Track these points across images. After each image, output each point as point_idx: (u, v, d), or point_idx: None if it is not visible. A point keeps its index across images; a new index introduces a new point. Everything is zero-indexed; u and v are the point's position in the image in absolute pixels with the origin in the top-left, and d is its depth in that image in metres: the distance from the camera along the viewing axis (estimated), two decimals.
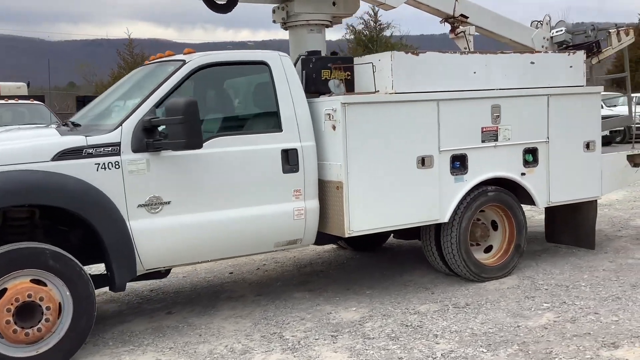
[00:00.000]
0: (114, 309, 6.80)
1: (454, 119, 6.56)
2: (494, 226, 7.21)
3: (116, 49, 30.61)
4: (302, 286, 7.19)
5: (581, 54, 7.42)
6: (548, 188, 7.21)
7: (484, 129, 6.75)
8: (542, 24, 8.67)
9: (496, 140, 6.83)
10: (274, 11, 7.33)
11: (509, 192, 7.04)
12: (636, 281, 6.60)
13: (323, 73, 6.69)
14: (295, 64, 6.96)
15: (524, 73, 7.02)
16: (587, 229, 7.87)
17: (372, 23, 36.45)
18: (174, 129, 5.19)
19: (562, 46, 8.54)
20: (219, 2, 6.60)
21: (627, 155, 7.88)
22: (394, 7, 7.37)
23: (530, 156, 7.08)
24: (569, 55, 7.36)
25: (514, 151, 6.97)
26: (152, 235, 5.46)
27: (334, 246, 8.98)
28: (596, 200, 7.78)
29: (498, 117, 6.82)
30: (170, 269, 6.15)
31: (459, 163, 6.63)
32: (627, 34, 8.62)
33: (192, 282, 7.66)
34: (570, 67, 7.33)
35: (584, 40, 8.51)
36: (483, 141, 6.76)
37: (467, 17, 7.84)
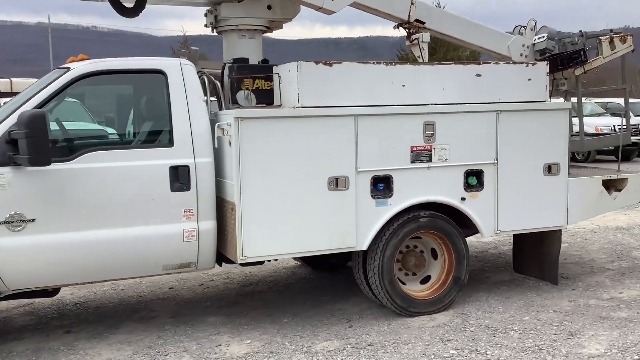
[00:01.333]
0: (26, 322, 6.56)
1: (376, 136, 5.92)
2: (435, 255, 6.51)
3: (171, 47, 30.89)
4: (227, 308, 6.74)
5: (543, 66, 6.58)
6: (496, 215, 6.44)
7: (414, 148, 6.07)
8: (525, 30, 7.82)
9: (429, 160, 6.13)
10: (206, 15, 6.89)
11: (448, 218, 6.31)
12: (579, 329, 5.76)
13: (244, 83, 6.22)
14: (222, 72, 6.53)
15: (468, 86, 6.27)
16: (551, 262, 7.01)
17: None
18: (21, 143, 4.85)
19: (545, 55, 7.66)
20: (127, 5, 6.21)
21: (604, 181, 6.95)
22: (334, 12, 6.77)
23: (474, 179, 6.33)
24: (527, 66, 6.54)
25: (452, 173, 6.24)
26: (14, 255, 5.15)
27: (298, 262, 8.48)
28: (560, 231, 6.92)
29: (432, 135, 6.12)
30: (58, 288, 5.84)
31: (382, 185, 5.99)
32: (623, 41, 7.65)
33: (122, 297, 7.34)
34: (529, 80, 6.51)
35: (569, 49, 7.61)
36: (413, 161, 6.07)
37: (423, 23, 7.13)
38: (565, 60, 7.42)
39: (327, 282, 7.65)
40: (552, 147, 6.59)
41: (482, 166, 6.34)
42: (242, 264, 5.74)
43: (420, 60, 7.24)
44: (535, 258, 7.20)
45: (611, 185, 7.09)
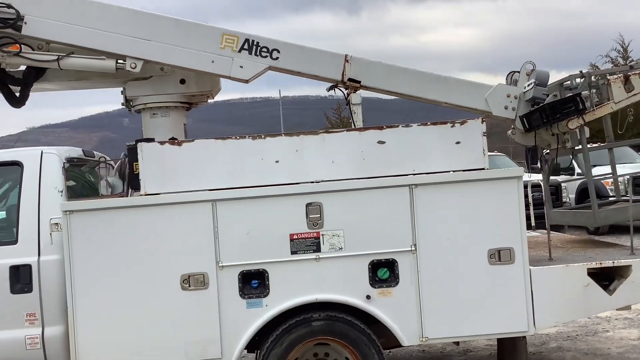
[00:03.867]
0: None
1: (242, 224, 4.98)
2: None
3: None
4: None
5: (477, 124, 5.14)
6: (419, 317, 5.03)
7: (295, 237, 4.99)
8: (520, 76, 6.28)
9: (317, 250, 5.00)
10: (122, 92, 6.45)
11: (353, 321, 5.06)
12: None
13: (135, 166, 5.65)
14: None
15: (368, 157, 5.08)
16: None
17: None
18: None
19: (537, 106, 6.04)
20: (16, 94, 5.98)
21: (592, 270, 5.16)
22: (246, 80, 5.95)
23: (386, 272, 5.03)
24: (453, 126, 5.14)
25: (352, 265, 5.02)
26: None
27: None
28: (524, 339, 5.24)
29: (319, 219, 4.99)
30: None
31: (257, 282, 4.98)
32: None
33: None
34: (458, 143, 5.12)
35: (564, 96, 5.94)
36: (294, 252, 4.99)
37: (358, 82, 5.99)
38: (556, 112, 5.78)
39: None
40: (499, 228, 5.06)
41: (394, 255, 5.03)
42: None
43: (353, 126, 6.10)
44: None
45: (617, 274, 5.26)
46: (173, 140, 5.08)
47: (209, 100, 6.57)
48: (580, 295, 5.10)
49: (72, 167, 5.54)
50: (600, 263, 5.13)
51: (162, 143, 5.04)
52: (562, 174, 17.30)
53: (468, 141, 5.11)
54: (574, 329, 7.95)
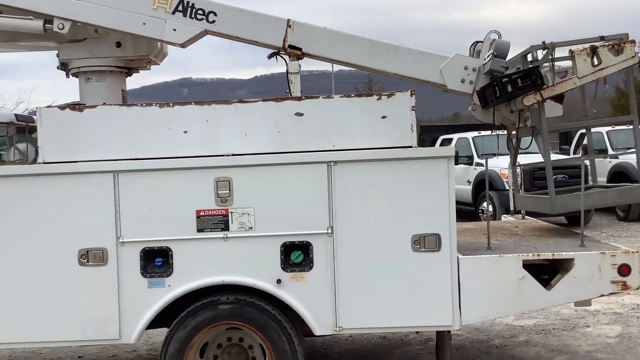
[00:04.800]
0: None
1: (146, 198, 4.64)
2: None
3: None
4: None
5: (405, 97, 4.65)
6: (334, 305, 4.64)
7: (202, 213, 4.63)
8: (482, 47, 5.72)
9: (226, 229, 4.63)
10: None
11: (264, 306, 4.69)
12: None
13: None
14: None
15: (285, 130, 4.66)
16: None
17: None
18: None
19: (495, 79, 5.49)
20: None
21: (526, 261, 4.65)
22: (183, 45, 5.57)
23: (300, 255, 4.64)
24: (379, 99, 4.67)
25: (262, 246, 4.65)
26: None
27: None
28: (449, 333, 4.78)
29: (228, 195, 4.62)
30: None
31: (161, 261, 4.65)
32: (619, 52, 5.21)
33: None
34: (384, 117, 4.65)
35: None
36: (201, 230, 4.64)
37: (300, 49, 5.53)
38: (511, 87, 5.23)
39: None
40: (426, 212, 4.60)
41: (309, 237, 4.63)
42: None
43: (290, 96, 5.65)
44: None
45: (562, 268, 4.74)
46: (75, 105, 4.75)
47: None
48: (513, 289, 4.61)
49: None
50: (538, 255, 4.63)
51: (62, 108, 4.71)
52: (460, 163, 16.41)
53: (395, 116, 4.64)
54: (552, 322, 7.45)
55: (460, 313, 4.61)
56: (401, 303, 4.62)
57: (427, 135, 19.60)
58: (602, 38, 5.37)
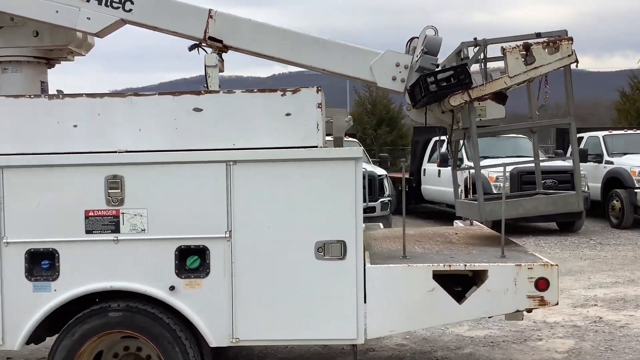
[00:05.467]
0: None
1: (31, 195, 4.34)
2: None
3: None
4: None
5: (311, 94, 4.33)
6: (231, 315, 4.32)
7: (91, 214, 4.33)
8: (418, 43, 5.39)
9: (117, 231, 4.33)
10: None
11: (157, 314, 4.38)
12: None
13: None
14: None
15: (182, 126, 4.35)
16: None
17: None
18: None
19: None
20: None
21: (437, 272, 4.31)
22: (99, 34, 5.28)
23: (196, 260, 4.33)
24: (283, 95, 4.35)
25: (156, 250, 4.34)
26: None
27: None
28: (355, 347, 4.45)
29: (120, 195, 4.31)
30: None
31: (48, 263, 4.36)
32: (555, 50, 4.87)
33: None
34: (288, 115, 4.33)
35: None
36: (89, 232, 4.34)
37: (220, 41, 5.22)
38: (436, 85, 4.90)
39: None
40: (331, 218, 4.28)
41: (206, 241, 4.32)
42: None
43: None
44: None
45: (479, 280, 4.41)
46: None
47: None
48: (423, 302, 4.28)
49: None
50: (450, 265, 4.29)
51: None
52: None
53: (300, 113, 4.32)
54: (505, 334, 7.11)
55: (366, 326, 4.28)
56: (303, 314, 4.31)
57: None
58: (538, 35, 5.04)
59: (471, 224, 6.46)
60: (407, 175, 15.74)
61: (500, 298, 4.26)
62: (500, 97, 5.27)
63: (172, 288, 4.33)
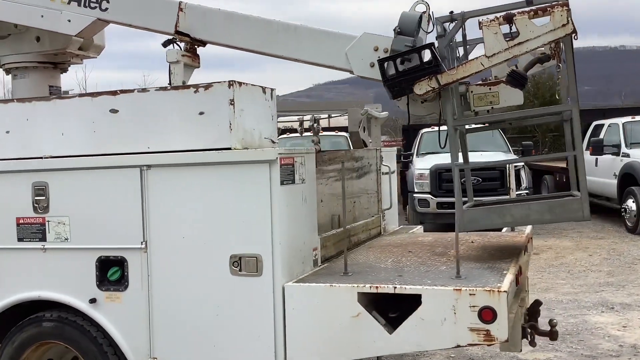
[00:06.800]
0: None
1: None
2: None
3: None
4: None
5: (223, 90, 3.84)
6: (149, 332, 4.01)
7: (21, 221, 4.26)
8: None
9: (44, 239, 4.21)
10: None
11: (85, 327, 4.19)
12: None
13: None
14: None
15: (100, 129, 4.11)
16: None
17: None
18: None
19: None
20: None
21: (362, 293, 3.61)
22: (77, 36, 5.18)
23: (117, 272, 4.08)
24: (196, 92, 3.91)
25: (79, 260, 4.15)
26: None
27: None
28: None
29: (45, 202, 4.19)
30: None
31: None
32: (551, 17, 3.91)
33: None
34: (201, 113, 3.90)
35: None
36: (21, 239, 4.27)
37: (187, 35, 4.84)
38: (394, 71, 4.15)
39: None
40: (244, 228, 3.80)
41: (124, 252, 4.05)
42: None
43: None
44: None
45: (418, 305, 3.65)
46: None
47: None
48: (350, 329, 3.62)
49: None
50: (377, 287, 3.59)
51: None
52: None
53: (213, 112, 3.87)
54: (577, 358, 6.07)
55: (286, 355, 3.73)
56: (219, 336, 3.87)
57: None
58: (529, 2, 4.09)
59: (512, 229, 5.51)
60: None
61: (436, 329, 3.47)
62: (516, 78, 4.37)
63: (92, 301, 4.11)
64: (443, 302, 3.46)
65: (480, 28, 4.02)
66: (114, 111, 4.07)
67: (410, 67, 4.12)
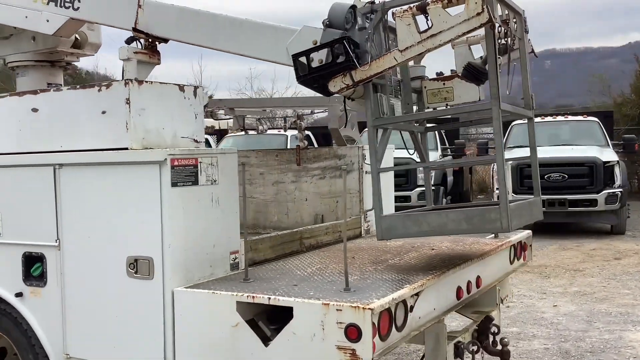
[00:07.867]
0: None
1: None
2: None
3: None
4: None
5: (119, 88, 3.78)
6: (63, 329, 4.08)
7: None
8: None
9: None
10: None
11: (19, 319, 4.33)
12: None
13: None
14: None
15: (24, 127, 4.21)
16: None
17: None
18: None
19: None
20: None
21: (239, 304, 3.44)
22: (55, 34, 5.31)
23: (39, 268, 4.18)
24: (99, 90, 3.88)
25: (8, 254, 4.29)
26: None
27: None
28: None
29: None
30: None
31: None
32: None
33: None
34: (104, 113, 3.88)
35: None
36: None
37: (143, 32, 4.80)
38: (304, 67, 3.91)
39: None
40: (139, 229, 3.76)
41: (43, 249, 4.15)
42: None
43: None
44: None
45: None
46: None
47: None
48: (230, 339, 3.48)
49: None
50: (253, 297, 3.42)
51: None
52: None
53: (113, 111, 3.84)
54: None
55: (173, 358, 3.67)
56: (118, 338, 3.86)
57: None
58: None
59: (496, 236, 5.08)
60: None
61: (306, 345, 3.25)
62: (472, 73, 4.04)
63: (19, 294, 4.23)
64: (312, 316, 3.23)
65: (394, 19, 3.71)
66: (34, 110, 4.14)
67: (325, 64, 3.87)
